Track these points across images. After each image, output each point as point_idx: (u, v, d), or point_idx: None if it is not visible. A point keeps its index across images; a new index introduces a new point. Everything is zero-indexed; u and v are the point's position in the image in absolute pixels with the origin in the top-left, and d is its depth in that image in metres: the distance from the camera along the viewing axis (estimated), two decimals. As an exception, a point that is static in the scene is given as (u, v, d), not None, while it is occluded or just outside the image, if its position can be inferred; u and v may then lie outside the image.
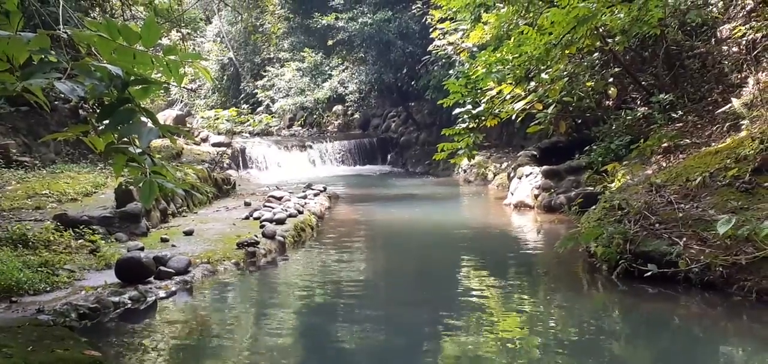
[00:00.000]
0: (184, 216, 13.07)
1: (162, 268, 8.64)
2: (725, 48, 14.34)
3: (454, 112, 11.38)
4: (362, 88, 31.38)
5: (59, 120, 16.81)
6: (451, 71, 20.07)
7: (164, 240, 10.59)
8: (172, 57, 3.41)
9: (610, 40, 14.36)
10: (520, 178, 16.05)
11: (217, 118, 27.13)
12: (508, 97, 11.27)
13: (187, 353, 6.49)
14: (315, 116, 34.34)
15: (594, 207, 10.73)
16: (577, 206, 12.13)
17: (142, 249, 9.51)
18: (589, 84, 15.86)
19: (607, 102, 17.00)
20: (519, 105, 11.80)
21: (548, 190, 15.00)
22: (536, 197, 15.16)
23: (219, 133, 26.06)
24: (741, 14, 14.07)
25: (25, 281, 7.62)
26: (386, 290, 9.57)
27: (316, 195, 16.27)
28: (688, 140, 12.58)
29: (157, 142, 18.25)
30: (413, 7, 25.46)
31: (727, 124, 12.07)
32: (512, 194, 16.06)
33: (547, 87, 12.98)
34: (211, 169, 18.24)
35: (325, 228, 13.62)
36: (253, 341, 7.02)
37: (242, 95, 37.78)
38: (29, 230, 9.32)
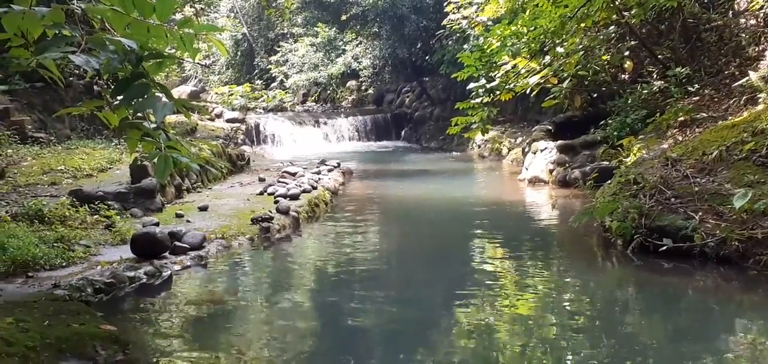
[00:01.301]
0: (198, 192, 13.11)
1: (177, 243, 8.67)
2: (743, 20, 14.20)
3: (468, 87, 11.34)
4: (376, 63, 31.29)
5: (74, 96, 16.88)
6: (465, 46, 19.99)
7: (179, 216, 10.63)
8: (187, 30, 3.40)
9: (626, 13, 14.24)
10: (534, 153, 15.98)
11: (232, 94, 27.23)
12: (522, 71, 11.21)
13: (202, 327, 6.53)
14: (329, 92, 34.30)
15: (609, 182, 10.69)
16: (592, 180, 12.07)
17: (157, 224, 9.53)
18: (604, 57, 15.75)
19: (623, 76, 16.89)
20: (534, 79, 11.73)
21: (563, 165, 14.93)
22: (551, 171, 15.10)
23: (233, 109, 26.14)
24: (759, -14, 13.91)
25: (41, 256, 7.66)
26: (400, 265, 9.57)
27: (329, 171, 16.28)
28: (704, 114, 12.49)
29: (171, 118, 18.30)
30: (427, -19, 25.36)
31: (744, 97, 11.98)
32: (527, 169, 16.00)
33: (563, 61, 12.90)
34: (226, 144, 18.29)
35: (339, 204, 13.62)
36: (267, 316, 7.06)
37: (256, 71, 37.77)
38: (45, 206, 9.37)
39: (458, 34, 21.20)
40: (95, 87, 17.51)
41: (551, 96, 15.40)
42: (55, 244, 8.19)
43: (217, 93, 30.83)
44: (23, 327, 5.25)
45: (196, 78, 42.36)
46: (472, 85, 11.11)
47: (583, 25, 12.00)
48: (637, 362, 5.65)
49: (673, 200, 8.74)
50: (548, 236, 10.80)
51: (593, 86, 16.71)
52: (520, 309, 7.06)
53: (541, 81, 12.26)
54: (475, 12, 18.06)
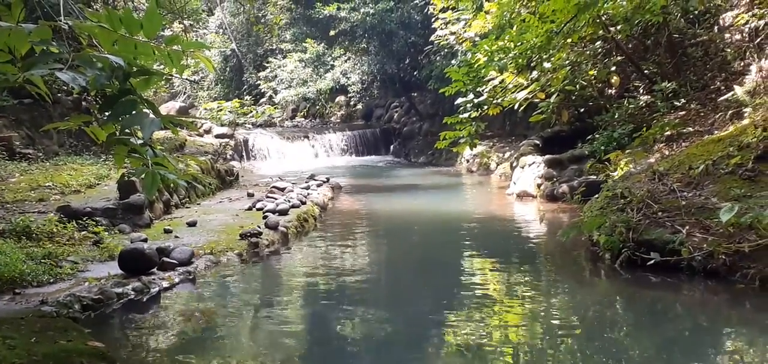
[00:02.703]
0: (187, 207, 13.09)
1: (165, 259, 8.65)
2: (728, 36, 14.32)
3: (456, 102, 11.37)
4: (365, 79, 31.39)
5: (62, 112, 16.83)
6: (453, 61, 20.03)
7: (167, 231, 10.60)
8: (174, 47, 3.41)
9: (612, 28, 14.35)
10: (522, 167, 16.04)
11: (220, 110, 27.12)
12: (510, 86, 11.26)
13: (191, 343, 6.51)
14: (317, 107, 34.37)
15: (597, 196, 10.73)
16: (580, 194, 12.12)
17: (145, 240, 9.53)
18: (591, 73, 15.85)
19: (610, 91, 17.00)
20: (521, 94, 11.78)
21: (551, 179, 14.99)
22: (539, 186, 15.15)
23: (222, 125, 26.07)
24: (743, 2, 14.05)
25: (28, 272, 7.63)
26: (389, 279, 9.57)
27: (318, 186, 16.28)
28: (690, 128, 12.58)
29: (159, 134, 18.27)
30: (415, -3, 25.44)
31: (730, 112, 12.07)
32: (515, 184, 16.05)
33: (550, 76, 12.97)
34: (214, 160, 18.24)
35: (328, 218, 13.62)
36: (255, 332, 7.04)
37: (245, 87, 37.81)
38: (33, 222, 9.34)
39: (446, 50, 21.29)
40: (83, 103, 17.47)
41: (539, 111, 15.48)
42: (42, 260, 8.16)
43: (205, 109, 30.73)
44: (10, 344, 5.23)
45: (185, 94, 42.36)
46: (460, 100, 11.13)
47: (569, 40, 12.07)
48: (624, 376, 5.67)
49: (660, 213, 8.78)
50: (536, 250, 10.81)
51: (580, 101, 16.80)
52: (508, 323, 7.07)
53: (529, 96, 12.31)
54: (463, 28, 18.14)
